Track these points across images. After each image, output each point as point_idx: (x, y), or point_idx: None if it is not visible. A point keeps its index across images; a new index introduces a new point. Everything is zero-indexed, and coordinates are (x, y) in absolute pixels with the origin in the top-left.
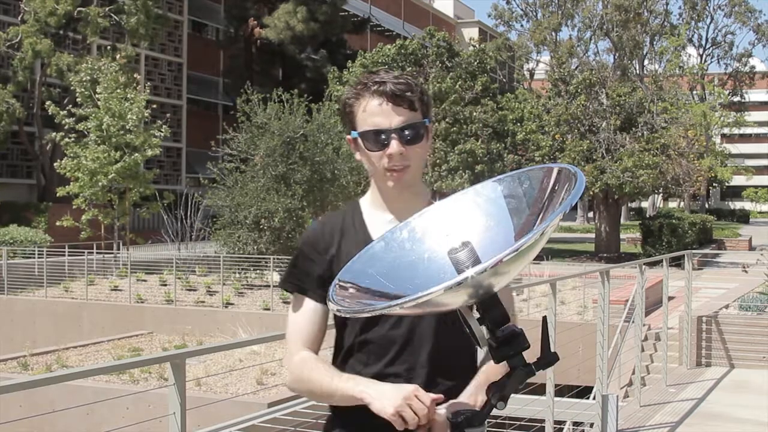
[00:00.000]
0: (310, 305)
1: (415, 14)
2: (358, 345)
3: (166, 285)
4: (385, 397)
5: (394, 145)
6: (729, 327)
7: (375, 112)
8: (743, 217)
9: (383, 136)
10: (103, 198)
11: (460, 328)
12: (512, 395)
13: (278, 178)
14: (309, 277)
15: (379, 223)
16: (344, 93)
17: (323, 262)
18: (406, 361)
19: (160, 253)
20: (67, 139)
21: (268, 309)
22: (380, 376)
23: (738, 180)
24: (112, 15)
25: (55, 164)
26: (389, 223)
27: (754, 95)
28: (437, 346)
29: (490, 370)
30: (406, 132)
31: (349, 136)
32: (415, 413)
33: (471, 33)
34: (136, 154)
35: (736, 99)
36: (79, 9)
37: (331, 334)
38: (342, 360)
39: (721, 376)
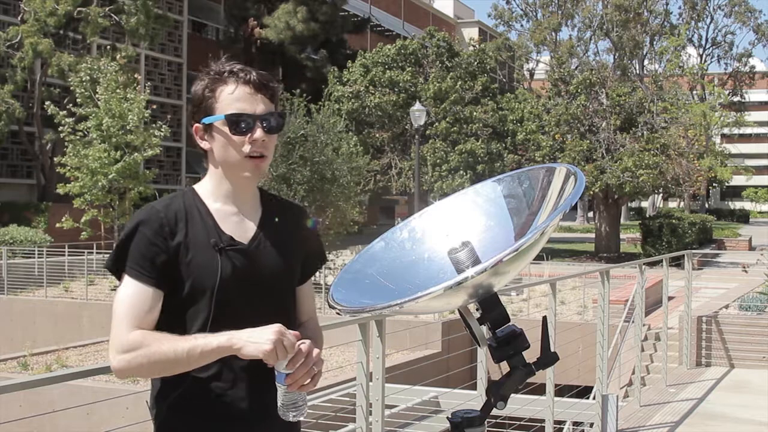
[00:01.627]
0: (148, 290)
1: (415, 14)
2: None
3: None
4: (256, 337)
5: (259, 131)
6: (729, 327)
7: (240, 98)
8: (743, 217)
9: (248, 122)
10: (104, 199)
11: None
12: (512, 395)
13: (279, 178)
14: (150, 261)
15: (223, 215)
16: (200, 79)
17: (168, 248)
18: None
19: None
20: (71, 137)
21: None
22: (225, 370)
23: (738, 180)
24: (112, 15)
25: (56, 158)
26: (234, 215)
27: (754, 95)
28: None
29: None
30: (269, 120)
31: (197, 124)
32: (285, 348)
33: (471, 33)
34: (136, 154)
35: (736, 99)
36: (79, 9)
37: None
38: None
39: (721, 376)
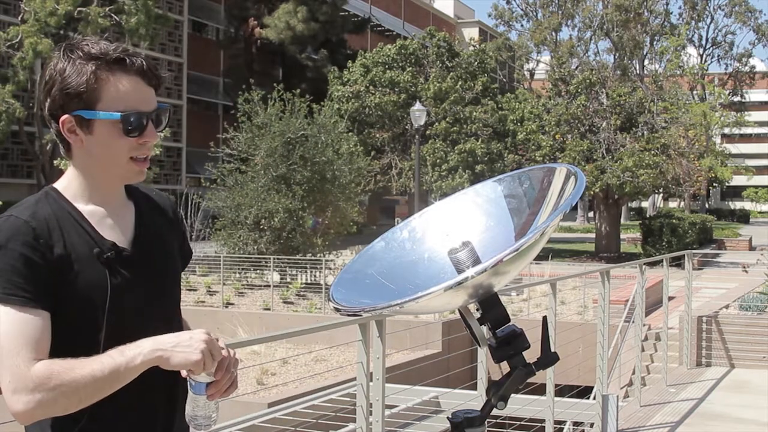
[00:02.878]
0: (36, 315)
1: (415, 14)
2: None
3: None
4: (183, 346)
5: (151, 132)
6: (729, 327)
7: (132, 93)
8: (743, 217)
9: (142, 121)
10: None
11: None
12: (512, 395)
13: (279, 178)
14: (32, 281)
15: (98, 218)
16: (76, 63)
17: (48, 262)
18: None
19: None
20: None
21: (269, 309)
22: (129, 398)
23: (738, 180)
24: (113, 15)
25: (55, 162)
26: (108, 217)
27: (754, 95)
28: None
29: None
30: (160, 117)
31: (68, 116)
32: (213, 355)
33: (471, 33)
34: None
35: (737, 99)
36: (79, 9)
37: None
38: None
39: (721, 376)
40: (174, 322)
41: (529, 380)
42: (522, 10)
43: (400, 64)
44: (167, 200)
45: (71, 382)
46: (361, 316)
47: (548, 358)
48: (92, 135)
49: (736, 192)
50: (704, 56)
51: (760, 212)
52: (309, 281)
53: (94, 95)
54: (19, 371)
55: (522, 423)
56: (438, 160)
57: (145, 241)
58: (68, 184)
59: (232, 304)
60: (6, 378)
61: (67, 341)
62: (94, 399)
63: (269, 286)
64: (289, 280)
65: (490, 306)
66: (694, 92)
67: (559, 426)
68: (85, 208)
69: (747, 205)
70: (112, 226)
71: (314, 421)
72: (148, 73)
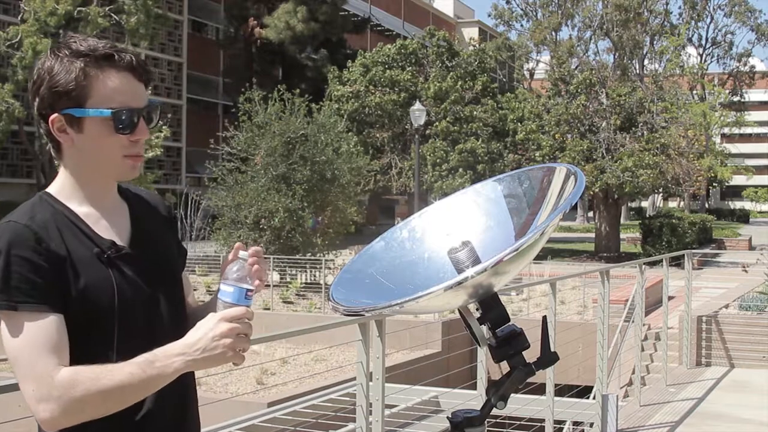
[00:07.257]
0: (51, 320)
1: (415, 14)
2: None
3: None
4: (209, 350)
5: (143, 128)
6: (729, 327)
7: (122, 89)
8: (743, 217)
9: (135, 118)
10: None
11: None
12: (512, 395)
13: (279, 178)
14: (41, 286)
15: (95, 219)
16: (65, 60)
17: (51, 264)
18: None
19: None
20: None
21: (268, 309)
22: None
23: (738, 180)
24: (112, 15)
25: (55, 163)
26: (104, 217)
27: (754, 95)
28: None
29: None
30: (151, 113)
31: (58, 115)
32: (245, 335)
33: (471, 33)
34: None
35: (736, 99)
36: (79, 9)
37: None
38: None
39: (721, 375)
40: (181, 319)
41: (529, 380)
42: (522, 9)
43: (400, 64)
44: (159, 199)
45: (98, 392)
46: (361, 315)
47: (548, 357)
48: (83, 133)
49: (736, 192)
50: (704, 56)
51: (759, 212)
52: (309, 281)
53: (83, 93)
54: (43, 379)
55: (522, 423)
56: (438, 160)
57: (143, 240)
58: (61, 186)
59: None
60: (30, 387)
61: (80, 346)
62: (121, 407)
63: (269, 285)
64: (288, 279)
65: (490, 306)
66: (694, 92)
67: (558, 426)
68: (80, 210)
69: (747, 205)
70: (108, 226)
71: (314, 420)
72: (138, 69)
